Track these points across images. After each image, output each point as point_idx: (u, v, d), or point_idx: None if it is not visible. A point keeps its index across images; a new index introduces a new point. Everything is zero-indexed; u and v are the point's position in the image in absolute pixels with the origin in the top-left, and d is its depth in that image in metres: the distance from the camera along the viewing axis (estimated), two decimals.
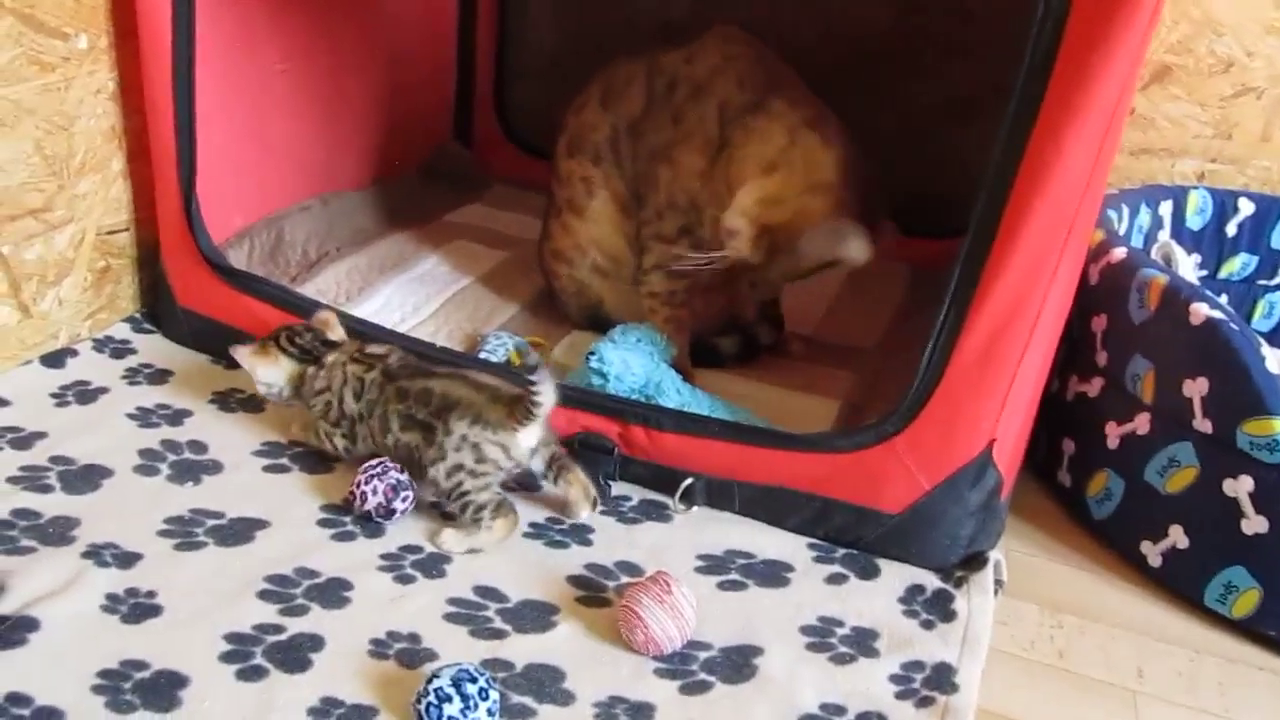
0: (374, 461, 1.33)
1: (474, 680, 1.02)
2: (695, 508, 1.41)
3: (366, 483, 1.31)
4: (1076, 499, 1.52)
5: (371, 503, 1.30)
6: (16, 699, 1.02)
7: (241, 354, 1.40)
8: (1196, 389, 1.32)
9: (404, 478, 1.33)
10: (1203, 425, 1.32)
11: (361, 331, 1.50)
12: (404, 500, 1.32)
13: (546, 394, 1.27)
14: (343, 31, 1.93)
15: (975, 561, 1.34)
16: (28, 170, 1.47)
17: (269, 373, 1.40)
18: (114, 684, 1.05)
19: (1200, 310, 1.32)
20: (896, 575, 1.32)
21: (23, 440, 1.40)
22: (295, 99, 1.85)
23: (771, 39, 2.09)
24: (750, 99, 1.54)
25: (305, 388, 1.40)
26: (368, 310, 1.72)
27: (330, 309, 1.48)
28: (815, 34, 2.09)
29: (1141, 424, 1.41)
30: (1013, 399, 1.28)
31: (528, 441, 1.30)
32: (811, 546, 1.37)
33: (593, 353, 1.50)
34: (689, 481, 1.40)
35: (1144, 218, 1.75)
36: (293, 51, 1.82)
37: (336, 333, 1.45)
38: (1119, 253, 1.49)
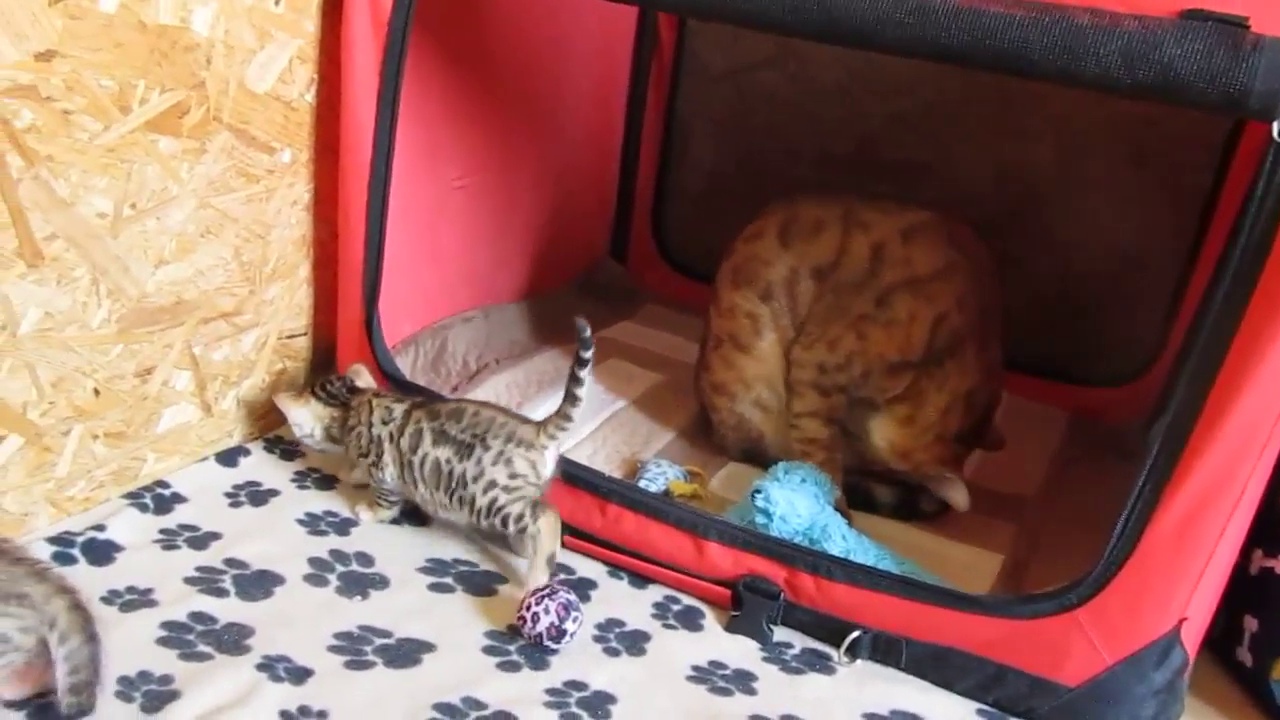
0: (540, 585, 1.33)
1: None
2: (860, 661, 1.37)
3: (538, 603, 1.30)
4: (1258, 680, 1.43)
5: (544, 623, 1.29)
6: None
7: (281, 399, 1.53)
8: None
9: (573, 597, 1.32)
10: None
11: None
12: (575, 621, 1.31)
13: (576, 414, 1.40)
14: (517, 148, 1.98)
15: None
16: (225, 275, 1.52)
17: (299, 414, 1.52)
18: None
19: None
20: None
21: (199, 540, 1.42)
22: (468, 212, 1.90)
23: (939, 180, 2.11)
24: (959, 328, 1.57)
25: (339, 431, 1.52)
26: None
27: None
28: (986, 175, 2.09)
29: None
30: (1207, 577, 1.23)
31: (553, 460, 1.43)
32: (981, 713, 1.32)
33: (758, 490, 1.48)
34: (856, 634, 1.36)
35: None
36: (470, 167, 1.87)
37: (364, 380, 1.55)
38: None
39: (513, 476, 1.40)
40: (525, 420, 1.44)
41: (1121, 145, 2.00)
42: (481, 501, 1.40)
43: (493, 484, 1.40)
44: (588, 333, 1.37)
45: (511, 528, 1.40)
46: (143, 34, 1.31)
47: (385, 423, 1.47)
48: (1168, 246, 2.00)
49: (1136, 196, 2.01)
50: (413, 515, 1.53)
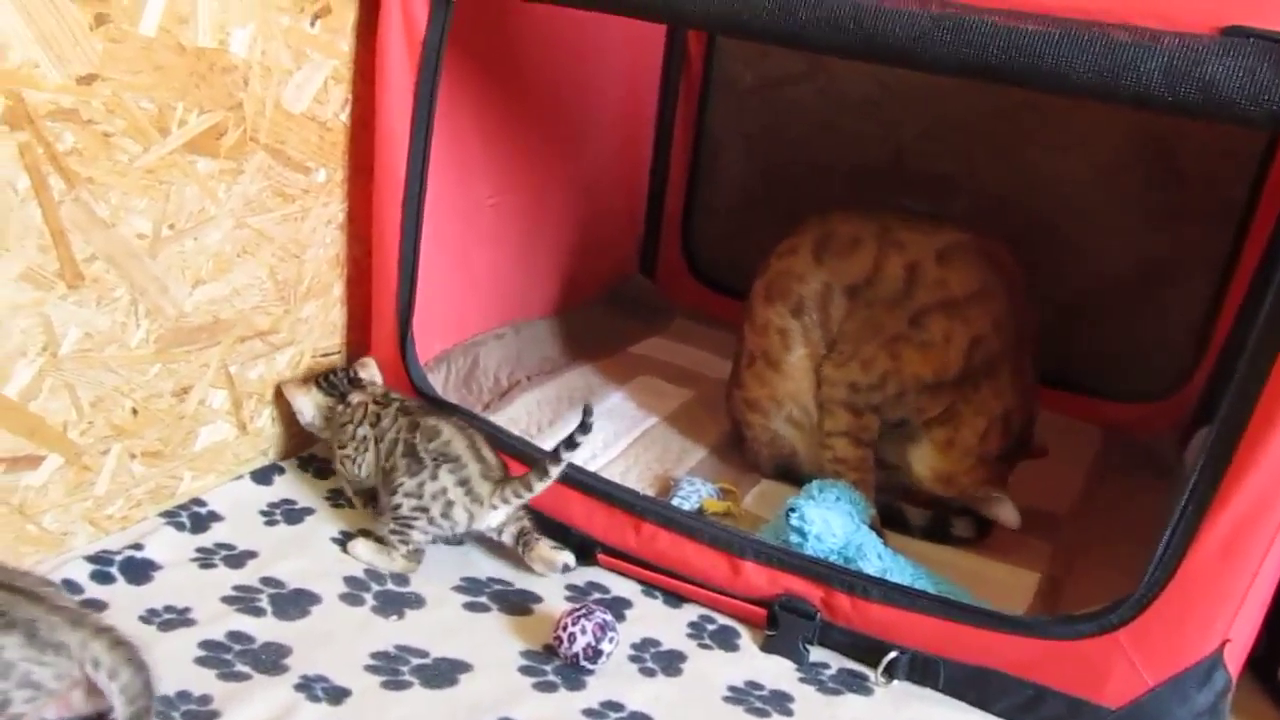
0: (577, 605, 1.33)
1: None
2: (897, 682, 1.36)
3: (574, 623, 1.30)
4: None
5: (580, 643, 1.29)
6: None
7: (286, 386, 1.58)
8: None
9: (609, 617, 1.32)
10: None
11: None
12: (611, 641, 1.31)
13: (541, 489, 1.42)
14: (548, 165, 1.99)
15: None
16: (261, 294, 1.53)
17: (301, 401, 1.56)
18: None
19: None
20: None
21: (236, 559, 1.43)
22: (499, 229, 1.90)
23: (970, 193, 2.10)
24: (995, 351, 1.57)
25: (333, 422, 1.54)
26: None
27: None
28: (1017, 188, 2.08)
29: None
30: (1250, 598, 1.22)
31: (497, 519, 1.45)
32: None
33: (793, 509, 1.47)
34: (893, 655, 1.35)
35: None
36: (502, 185, 1.87)
37: (368, 372, 1.60)
38: None
39: (445, 515, 1.43)
40: (489, 470, 1.45)
41: (1155, 158, 1.99)
42: (403, 509, 1.43)
43: (421, 509, 1.43)
44: (591, 418, 1.39)
45: (393, 539, 1.44)
46: (182, 56, 1.32)
47: (372, 426, 1.51)
48: (1202, 260, 1.99)
49: (1170, 210, 2.00)
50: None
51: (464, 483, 1.42)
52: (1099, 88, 1.10)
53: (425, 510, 1.42)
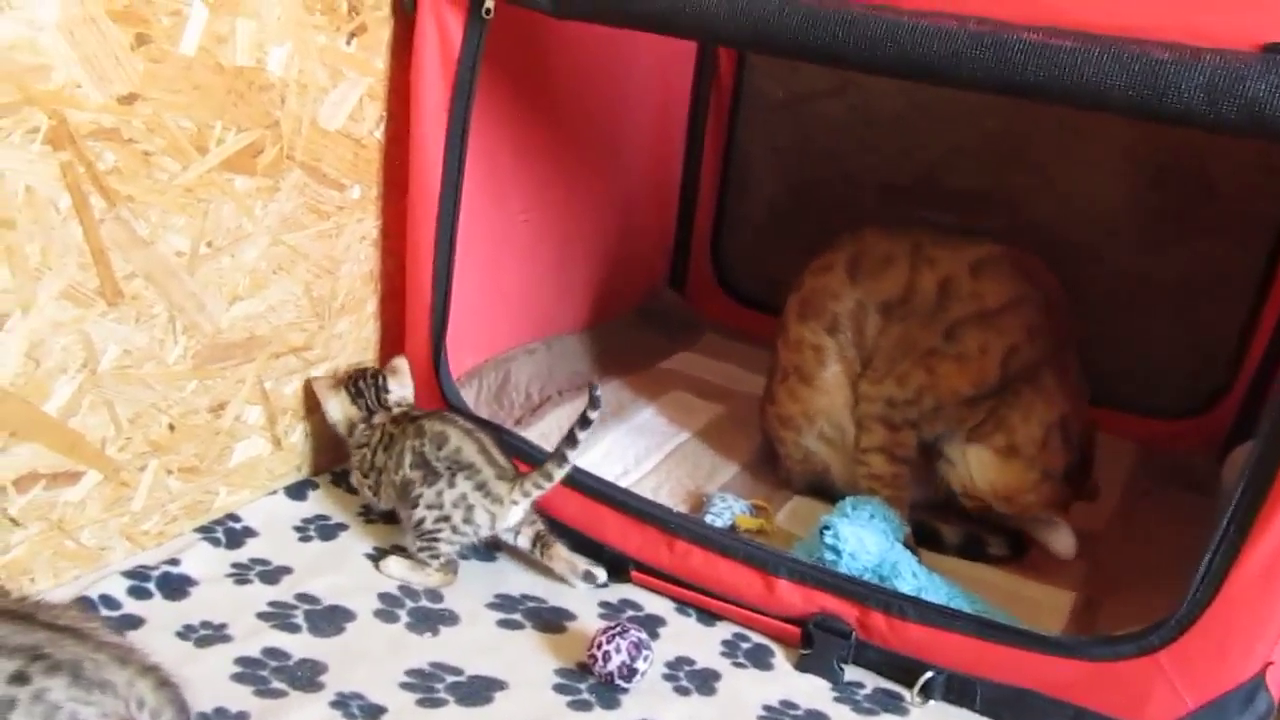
0: (612, 623, 1.32)
1: None
2: (933, 702, 1.35)
3: (609, 641, 1.30)
4: None
5: (615, 662, 1.29)
6: None
7: (317, 383, 1.57)
8: None
9: (644, 636, 1.32)
10: None
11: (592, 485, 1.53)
12: (646, 660, 1.30)
13: (560, 475, 1.44)
14: (579, 180, 1.99)
15: None
16: (296, 311, 1.53)
17: (330, 403, 1.56)
18: None
19: None
20: None
21: (270, 574, 1.43)
22: (531, 245, 1.91)
23: (1003, 209, 2.10)
24: (1033, 358, 1.56)
25: (354, 437, 1.55)
26: (591, 460, 1.73)
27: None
28: (1048, 203, 2.07)
29: None
30: None
31: (517, 516, 1.45)
32: None
33: (826, 527, 1.47)
34: (929, 675, 1.34)
35: None
36: (534, 201, 1.88)
37: (398, 379, 1.58)
38: None
39: (467, 521, 1.43)
40: (504, 471, 1.46)
41: (1188, 173, 1.97)
42: (426, 522, 1.44)
43: (444, 519, 1.43)
44: (599, 392, 1.40)
45: (424, 554, 1.45)
46: (220, 75, 1.33)
47: (385, 451, 1.51)
48: (1236, 275, 1.97)
49: (1205, 226, 1.99)
50: (477, 550, 1.53)
51: (481, 486, 1.43)
52: (1139, 106, 1.09)
53: (448, 519, 1.43)
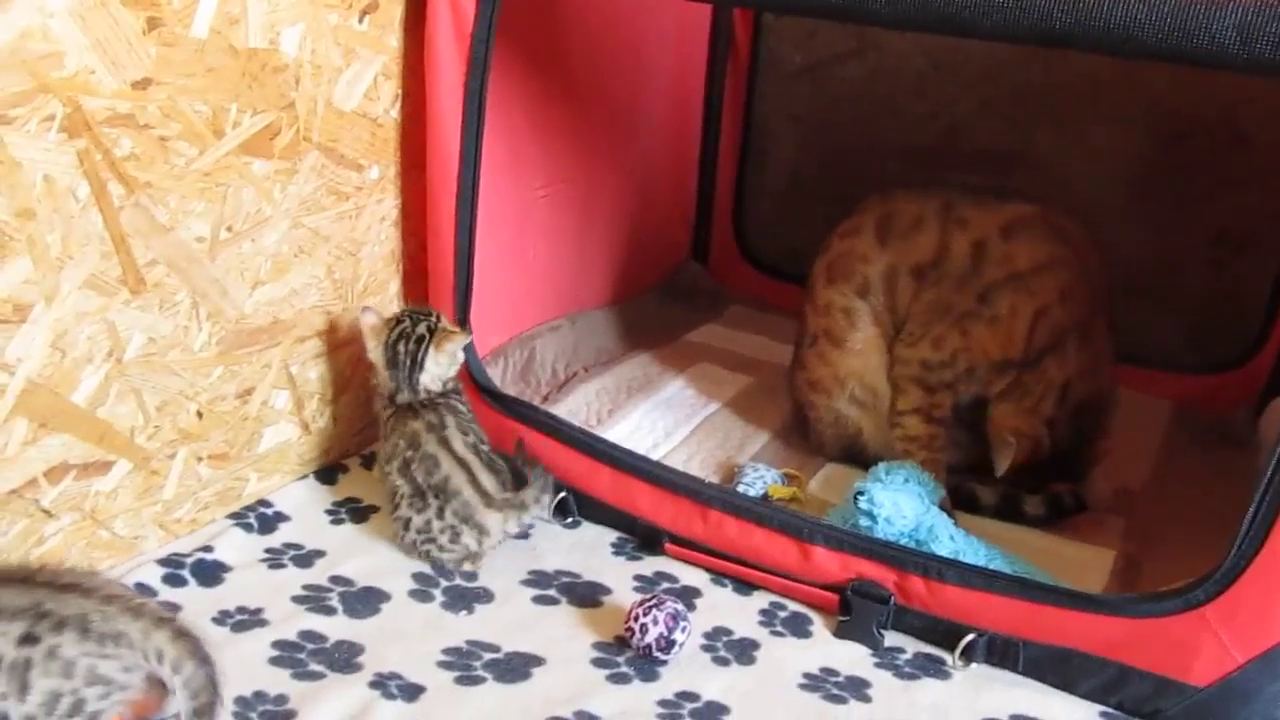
0: (648, 596, 1.32)
1: None
2: (974, 665, 1.34)
3: (645, 614, 1.29)
4: None
5: (653, 634, 1.28)
6: None
7: (365, 318, 1.49)
8: None
9: (680, 607, 1.31)
10: None
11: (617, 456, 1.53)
12: (683, 631, 1.29)
13: (538, 509, 1.48)
14: (598, 154, 1.98)
15: None
16: (319, 293, 1.53)
17: (370, 342, 1.50)
18: None
19: None
20: None
21: (304, 558, 1.43)
22: (552, 221, 1.89)
23: (1028, 167, 2.07)
24: (1063, 321, 1.53)
25: (379, 398, 1.52)
26: (620, 433, 1.72)
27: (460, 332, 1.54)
28: (1078, 161, 2.04)
29: None
30: None
31: (505, 526, 1.46)
32: (1104, 716, 1.28)
33: (860, 492, 1.45)
34: (970, 638, 1.33)
35: None
36: (553, 176, 1.86)
37: (439, 358, 1.49)
38: None
39: (453, 542, 1.43)
40: (490, 499, 1.44)
41: (1217, 124, 1.94)
42: (418, 542, 1.45)
43: (430, 540, 1.44)
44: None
45: (422, 553, 1.46)
46: (234, 58, 1.32)
47: (386, 437, 1.50)
48: (1269, 227, 1.94)
49: (1236, 177, 1.95)
50: None
51: (467, 519, 1.43)
52: (1171, 49, 1.07)
53: (434, 541, 1.43)
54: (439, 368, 1.50)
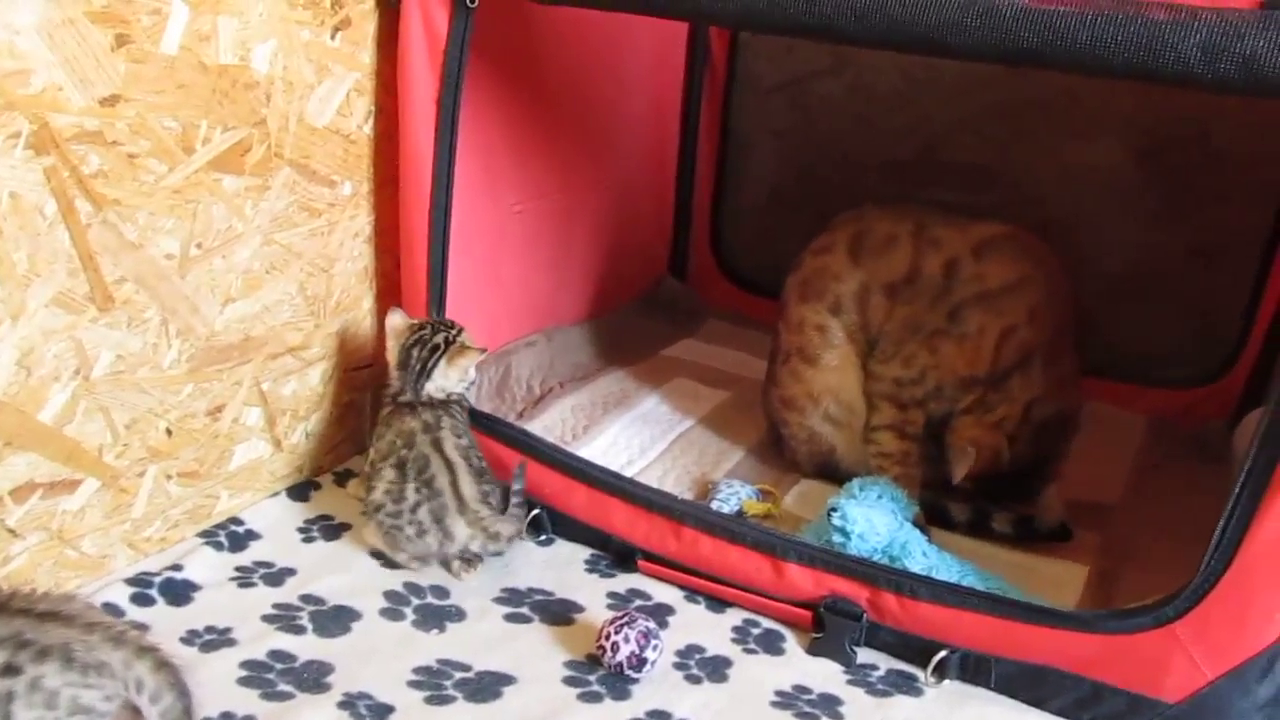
0: (620, 613, 1.31)
1: None
2: (948, 682, 1.34)
3: (617, 632, 1.29)
4: None
5: (624, 652, 1.27)
6: None
7: (393, 315, 1.52)
8: None
9: (652, 625, 1.31)
10: None
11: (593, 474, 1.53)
12: (655, 649, 1.29)
13: (506, 540, 1.48)
14: (574, 170, 1.98)
15: None
16: (291, 310, 1.52)
17: (389, 343, 1.52)
18: None
19: None
20: None
21: (274, 576, 1.42)
22: (527, 237, 1.89)
23: (1005, 182, 2.07)
24: (1030, 341, 1.54)
25: (384, 387, 1.53)
26: (596, 450, 1.72)
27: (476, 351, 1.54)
28: (1052, 176, 2.05)
29: None
30: None
31: (470, 543, 1.46)
32: None
33: (834, 509, 1.45)
34: (943, 654, 1.33)
35: None
36: (529, 192, 1.86)
37: (449, 372, 1.50)
38: None
39: (419, 535, 1.44)
40: (466, 513, 1.44)
41: (1191, 141, 1.95)
42: (386, 524, 1.46)
43: (397, 526, 1.45)
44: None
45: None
46: (204, 74, 1.31)
47: (385, 424, 1.51)
48: (1243, 242, 1.95)
49: (1209, 192, 1.96)
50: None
51: (439, 520, 1.43)
52: (1137, 68, 1.08)
53: (400, 529, 1.44)
54: (446, 380, 1.51)
